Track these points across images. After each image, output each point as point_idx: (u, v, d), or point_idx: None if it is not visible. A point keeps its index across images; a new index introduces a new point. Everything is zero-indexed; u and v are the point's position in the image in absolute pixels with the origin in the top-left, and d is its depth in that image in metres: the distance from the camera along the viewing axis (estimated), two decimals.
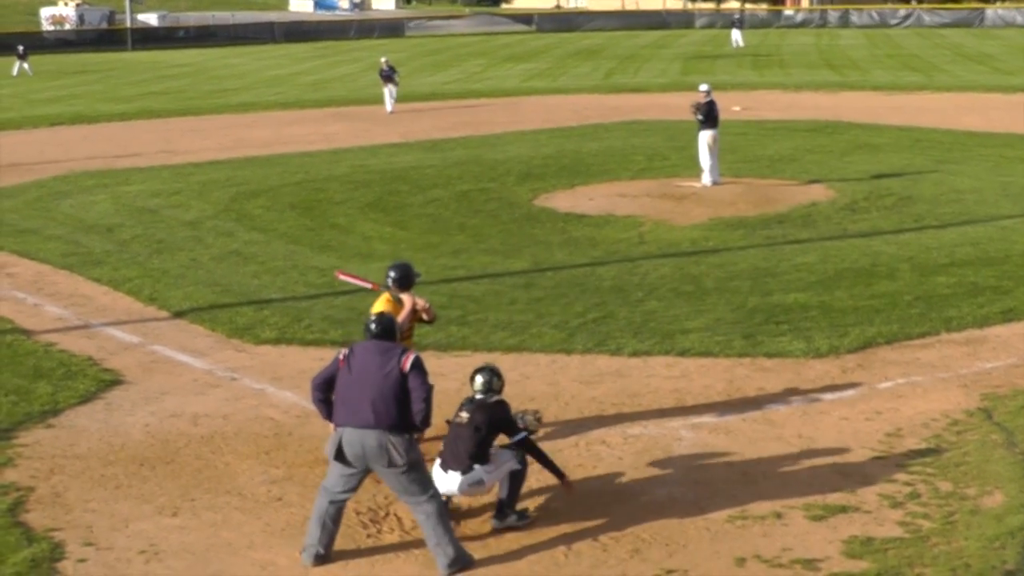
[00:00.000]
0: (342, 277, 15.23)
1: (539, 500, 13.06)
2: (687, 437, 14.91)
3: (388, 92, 52.89)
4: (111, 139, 45.45)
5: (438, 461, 12.52)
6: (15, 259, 25.33)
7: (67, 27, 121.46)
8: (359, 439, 11.50)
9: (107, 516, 12.87)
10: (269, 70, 79.71)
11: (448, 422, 12.76)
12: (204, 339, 19.53)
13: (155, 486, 13.69)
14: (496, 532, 12.36)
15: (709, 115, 32.12)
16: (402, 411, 11.51)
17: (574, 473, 13.71)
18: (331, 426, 11.91)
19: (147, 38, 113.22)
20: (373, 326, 11.93)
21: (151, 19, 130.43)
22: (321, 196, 32.06)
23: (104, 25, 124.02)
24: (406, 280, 14.29)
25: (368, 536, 12.32)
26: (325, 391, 11.90)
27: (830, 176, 33.52)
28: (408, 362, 11.58)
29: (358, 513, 12.66)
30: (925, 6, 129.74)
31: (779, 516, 12.61)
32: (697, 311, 20.34)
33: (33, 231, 28.02)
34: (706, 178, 32.23)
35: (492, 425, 12.49)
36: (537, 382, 16.92)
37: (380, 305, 14.04)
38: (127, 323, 20.49)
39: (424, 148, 41.06)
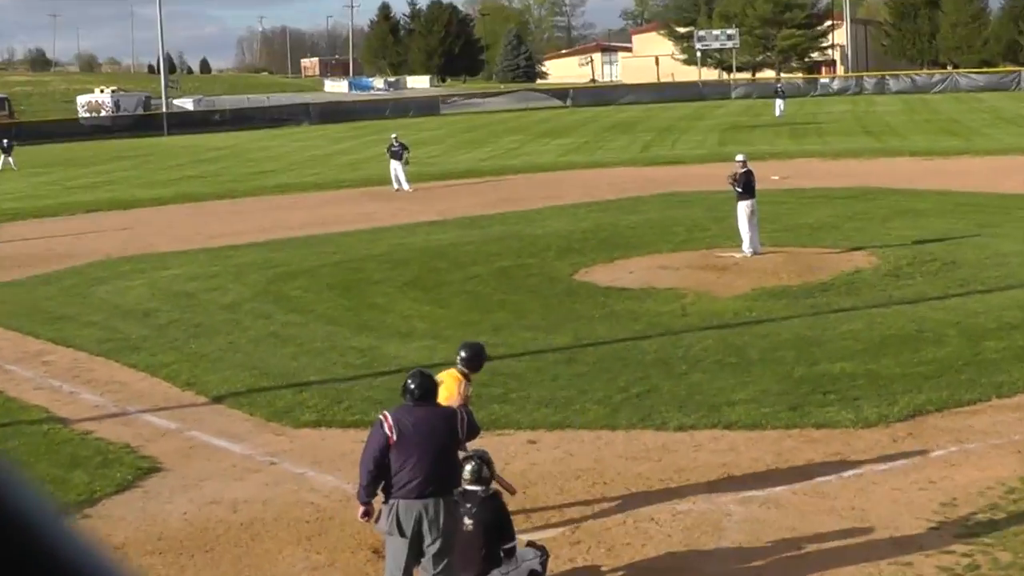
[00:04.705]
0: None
1: None
2: (737, 512, 14.61)
3: (396, 170, 52.15)
4: (148, 224, 45.58)
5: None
6: (51, 346, 25.23)
7: (103, 113, 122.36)
8: (420, 508, 11.30)
9: None
10: (306, 151, 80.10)
11: None
12: (243, 423, 19.33)
13: (194, 575, 13.45)
14: None
15: (747, 185, 32.18)
16: (456, 475, 11.57)
17: (623, 552, 13.44)
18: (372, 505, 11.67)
19: (183, 122, 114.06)
20: (415, 389, 11.65)
21: (187, 103, 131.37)
22: (359, 276, 31.94)
23: (140, 110, 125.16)
24: (475, 361, 14.26)
25: None
26: (382, 467, 11.49)
27: (872, 243, 33.24)
28: (463, 427, 11.80)
29: None
30: (961, 71, 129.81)
31: None
32: (742, 383, 20.04)
33: (70, 318, 27.95)
34: (746, 248, 32.08)
35: (496, 524, 11.86)
36: (582, 459, 16.63)
37: (448, 379, 13.83)
38: (164, 409, 20.31)
39: (462, 225, 40.98)
